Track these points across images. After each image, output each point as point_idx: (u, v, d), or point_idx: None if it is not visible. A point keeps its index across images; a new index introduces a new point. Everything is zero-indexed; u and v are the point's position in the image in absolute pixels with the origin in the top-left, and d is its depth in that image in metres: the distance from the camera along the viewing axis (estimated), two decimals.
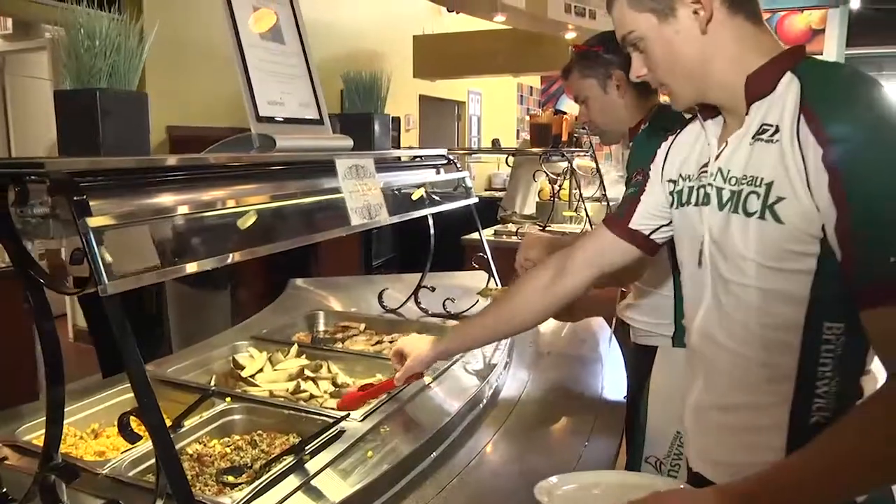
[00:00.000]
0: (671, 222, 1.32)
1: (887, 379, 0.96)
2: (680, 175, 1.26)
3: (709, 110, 1.20)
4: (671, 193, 1.28)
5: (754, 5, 1.12)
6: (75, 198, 1.00)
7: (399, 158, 2.22)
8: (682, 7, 1.09)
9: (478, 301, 2.43)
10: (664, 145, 1.34)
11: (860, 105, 0.98)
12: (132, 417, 1.08)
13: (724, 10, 1.09)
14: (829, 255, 1.00)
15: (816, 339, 1.06)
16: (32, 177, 1.03)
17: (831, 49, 12.29)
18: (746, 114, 1.10)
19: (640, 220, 1.36)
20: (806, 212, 0.99)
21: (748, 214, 1.06)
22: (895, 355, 0.96)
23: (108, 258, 0.99)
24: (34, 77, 5.26)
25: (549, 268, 1.48)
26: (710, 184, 1.15)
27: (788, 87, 1.05)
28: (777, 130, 1.03)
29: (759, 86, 1.08)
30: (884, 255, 0.92)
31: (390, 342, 2.14)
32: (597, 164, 5.07)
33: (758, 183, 1.05)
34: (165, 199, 1.22)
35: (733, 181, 1.10)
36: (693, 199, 1.20)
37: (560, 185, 4.93)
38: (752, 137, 1.08)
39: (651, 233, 1.36)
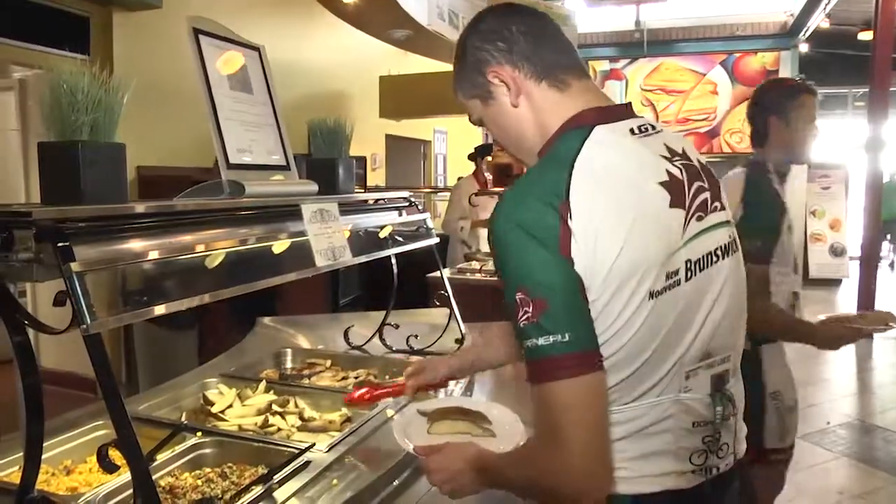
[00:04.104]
0: None
1: None
2: None
3: None
4: None
5: (562, 70, 1.17)
6: (60, 244, 1.07)
7: (363, 201, 2.28)
8: (494, 87, 1.18)
9: (441, 335, 2.51)
10: None
11: None
12: (110, 449, 1.14)
13: (530, 82, 1.16)
14: None
15: None
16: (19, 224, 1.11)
17: None
18: None
19: None
20: None
21: None
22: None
23: (91, 300, 1.07)
24: None
25: None
26: None
27: None
28: None
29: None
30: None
31: (356, 378, 2.21)
32: None
33: None
34: (142, 243, 1.29)
35: None
36: None
37: None
38: None
39: None
